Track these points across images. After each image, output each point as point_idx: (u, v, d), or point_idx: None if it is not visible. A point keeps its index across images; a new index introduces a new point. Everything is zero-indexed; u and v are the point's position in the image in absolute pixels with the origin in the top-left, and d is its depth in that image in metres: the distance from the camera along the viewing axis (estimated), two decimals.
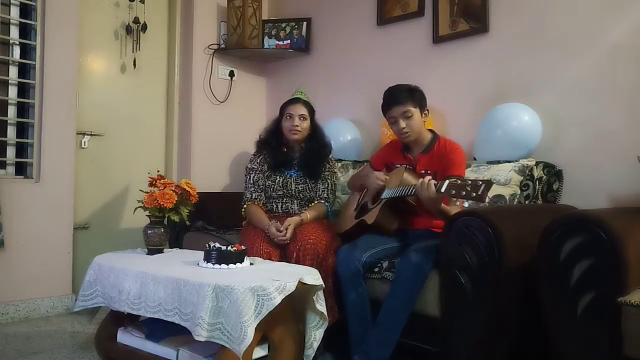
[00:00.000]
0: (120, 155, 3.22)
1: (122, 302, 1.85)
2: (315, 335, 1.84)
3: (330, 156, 2.57)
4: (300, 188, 2.45)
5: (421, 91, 2.20)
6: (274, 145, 2.49)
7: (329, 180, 2.51)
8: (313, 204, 2.45)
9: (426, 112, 2.21)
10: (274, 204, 2.47)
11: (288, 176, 2.47)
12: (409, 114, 2.13)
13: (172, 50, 3.44)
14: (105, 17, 3.15)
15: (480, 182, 1.66)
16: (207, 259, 1.86)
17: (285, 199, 2.46)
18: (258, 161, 2.51)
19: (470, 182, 1.69)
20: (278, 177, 2.46)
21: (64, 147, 2.83)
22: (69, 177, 2.85)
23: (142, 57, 3.26)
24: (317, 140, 2.50)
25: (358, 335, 1.93)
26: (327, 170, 2.51)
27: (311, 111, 2.49)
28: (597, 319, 1.40)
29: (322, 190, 2.48)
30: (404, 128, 2.14)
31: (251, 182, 2.47)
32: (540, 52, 2.41)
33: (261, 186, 2.47)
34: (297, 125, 2.43)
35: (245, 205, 2.45)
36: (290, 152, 2.50)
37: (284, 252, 2.18)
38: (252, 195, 2.45)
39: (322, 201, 2.46)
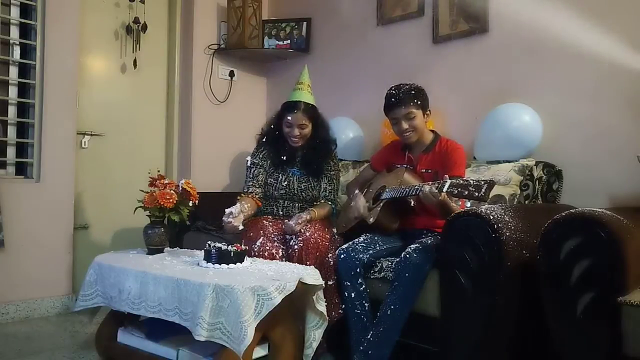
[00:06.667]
0: (121, 155, 3.22)
1: (122, 302, 1.86)
2: (315, 335, 1.84)
3: (334, 152, 2.54)
4: (302, 187, 2.43)
5: (424, 91, 2.19)
6: (276, 141, 2.45)
7: (334, 181, 2.49)
8: (318, 202, 2.43)
9: (428, 112, 2.21)
10: (274, 206, 2.45)
11: (291, 174, 2.44)
12: (411, 115, 2.13)
13: (172, 50, 3.44)
14: (105, 17, 3.15)
15: (483, 182, 1.66)
16: (207, 258, 1.86)
17: (287, 202, 2.44)
18: (260, 156, 2.47)
19: (472, 181, 1.69)
20: (280, 175, 2.43)
21: (64, 147, 2.82)
22: (69, 177, 2.85)
23: (142, 57, 3.26)
24: (320, 138, 2.45)
25: (358, 335, 1.93)
26: (332, 169, 2.49)
27: (312, 114, 2.39)
28: (597, 319, 1.40)
29: (329, 192, 2.46)
30: (406, 129, 2.14)
31: (251, 175, 2.43)
32: (540, 52, 2.41)
33: (260, 182, 2.43)
34: (298, 134, 2.37)
35: (239, 198, 2.36)
36: (293, 150, 2.45)
37: (286, 251, 2.17)
38: (248, 189, 2.41)
39: (329, 203, 2.44)
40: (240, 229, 2.09)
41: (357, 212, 2.18)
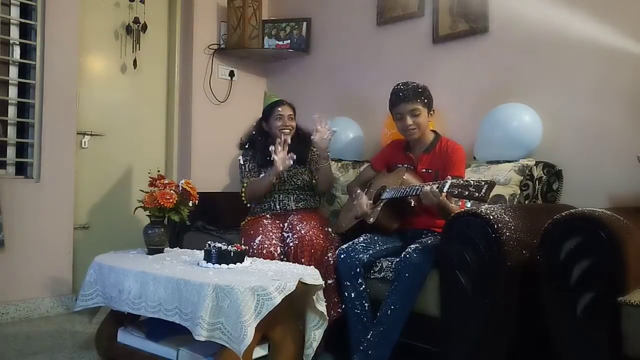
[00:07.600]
0: (120, 155, 3.22)
1: (123, 302, 1.86)
2: (315, 335, 1.84)
3: None
4: (292, 173, 2.50)
5: (429, 91, 2.21)
6: (261, 144, 2.52)
7: None
8: (314, 182, 2.53)
9: (432, 112, 2.22)
10: (271, 202, 2.49)
11: None
12: (417, 112, 2.14)
13: (172, 50, 3.44)
14: (105, 17, 3.15)
15: (483, 183, 1.66)
16: (207, 258, 1.86)
17: (282, 195, 2.49)
18: (249, 158, 2.56)
19: (473, 182, 1.69)
20: (270, 168, 2.47)
21: (64, 147, 2.82)
22: (69, 177, 2.85)
23: (142, 57, 3.26)
24: (301, 130, 2.60)
25: (358, 335, 1.93)
26: (315, 154, 2.56)
27: (294, 110, 2.59)
28: (597, 319, 1.40)
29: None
30: (410, 125, 2.15)
31: (247, 170, 2.53)
32: (540, 52, 2.41)
33: (255, 174, 2.52)
34: (289, 125, 2.51)
35: (243, 188, 2.49)
36: None
37: (283, 248, 2.20)
38: (249, 180, 2.50)
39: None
40: (279, 170, 2.32)
41: (361, 210, 2.17)
